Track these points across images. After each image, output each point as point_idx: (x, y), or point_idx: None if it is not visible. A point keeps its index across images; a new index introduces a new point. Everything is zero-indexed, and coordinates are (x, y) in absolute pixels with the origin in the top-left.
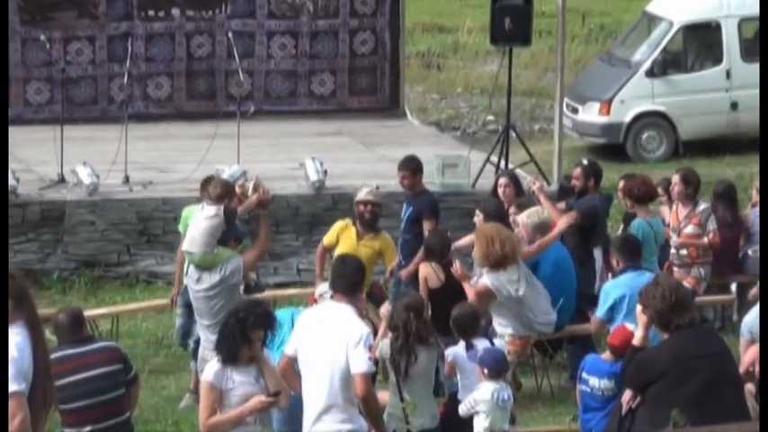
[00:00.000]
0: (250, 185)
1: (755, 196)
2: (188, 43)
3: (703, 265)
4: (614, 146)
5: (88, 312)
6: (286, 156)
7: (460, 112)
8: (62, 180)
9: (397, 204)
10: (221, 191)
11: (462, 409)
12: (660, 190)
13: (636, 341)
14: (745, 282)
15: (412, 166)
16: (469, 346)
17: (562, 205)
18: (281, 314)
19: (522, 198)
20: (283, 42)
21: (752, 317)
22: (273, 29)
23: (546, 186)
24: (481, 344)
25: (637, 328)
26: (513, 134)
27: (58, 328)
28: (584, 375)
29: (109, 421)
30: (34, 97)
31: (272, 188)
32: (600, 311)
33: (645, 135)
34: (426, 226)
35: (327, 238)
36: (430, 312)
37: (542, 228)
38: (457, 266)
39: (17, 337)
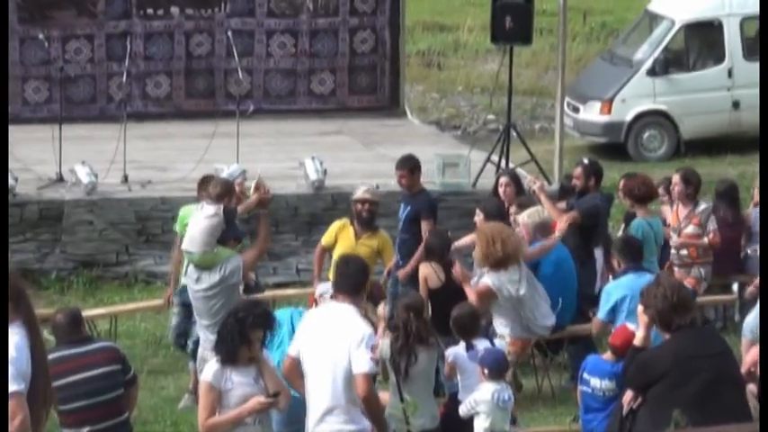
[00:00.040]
0: (251, 185)
1: (757, 196)
2: (187, 42)
3: (704, 265)
4: (615, 145)
5: (86, 312)
6: (285, 155)
7: (461, 111)
8: (60, 179)
9: (397, 204)
10: (221, 190)
11: (463, 410)
12: (661, 189)
13: (637, 341)
14: (746, 282)
15: (410, 165)
16: (470, 347)
17: (563, 205)
18: (281, 314)
19: (523, 197)
20: (283, 41)
21: (753, 317)
22: (273, 27)
23: (546, 186)
24: (481, 344)
25: (638, 329)
26: (514, 133)
27: (57, 329)
28: (586, 376)
29: (107, 422)
30: (32, 96)
31: (272, 187)
32: (601, 313)
33: (646, 134)
34: (424, 226)
35: (326, 238)
36: (430, 312)
37: (543, 227)
38: (457, 269)
39: (15, 338)
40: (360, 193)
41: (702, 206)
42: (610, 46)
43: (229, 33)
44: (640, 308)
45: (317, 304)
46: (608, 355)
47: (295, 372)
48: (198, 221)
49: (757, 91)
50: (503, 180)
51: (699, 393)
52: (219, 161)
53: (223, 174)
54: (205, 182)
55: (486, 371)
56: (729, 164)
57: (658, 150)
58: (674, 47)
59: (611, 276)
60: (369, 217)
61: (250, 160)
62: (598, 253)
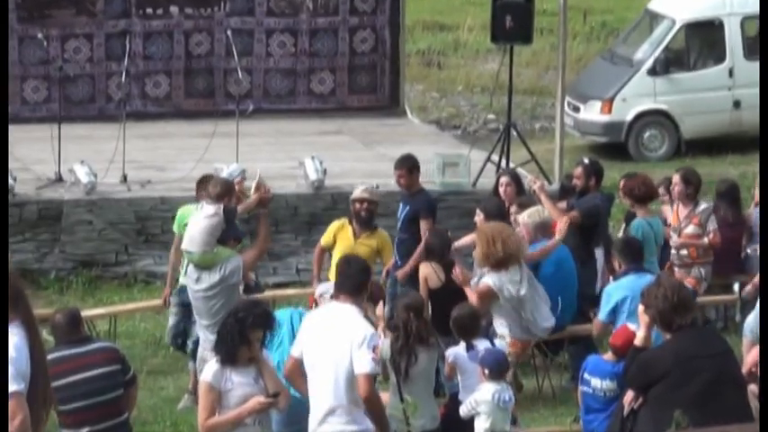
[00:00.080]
0: (251, 185)
1: (758, 195)
2: (186, 41)
3: (704, 265)
4: (616, 145)
5: (86, 312)
6: (285, 155)
7: (461, 110)
8: (59, 179)
9: (397, 204)
10: (221, 190)
11: (463, 410)
12: (662, 189)
13: (638, 341)
14: (747, 282)
15: (408, 165)
16: (470, 347)
17: (563, 204)
18: (281, 314)
19: (524, 197)
20: (282, 40)
21: (754, 317)
22: (273, 27)
23: (546, 185)
24: (482, 344)
25: (639, 329)
26: (514, 133)
27: (56, 329)
28: (586, 376)
29: (107, 422)
30: (31, 95)
31: (272, 187)
32: (602, 314)
33: (647, 134)
34: (423, 225)
35: (325, 239)
36: (430, 312)
37: (543, 227)
38: (457, 272)
39: (14, 338)
40: (358, 193)
41: (703, 206)
42: (610, 45)
43: (229, 33)
44: (641, 308)
45: (316, 304)
46: (609, 356)
47: (297, 372)
48: (198, 221)
49: (758, 90)
50: (503, 180)
51: (700, 394)
52: (219, 161)
53: (223, 173)
54: (204, 182)
55: (486, 371)
56: (730, 164)
57: (659, 150)
58: (675, 46)
59: (611, 276)
60: (367, 216)
61: (250, 160)
62: (599, 253)
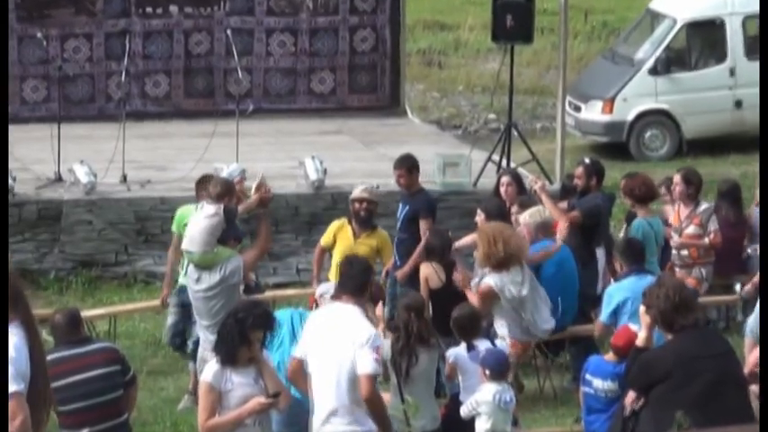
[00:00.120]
0: (252, 185)
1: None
2: (186, 41)
3: (705, 265)
4: (617, 144)
5: (85, 313)
6: (285, 154)
7: (462, 110)
8: (59, 179)
9: (397, 204)
10: (221, 189)
11: (464, 411)
12: (663, 189)
13: (639, 342)
14: (748, 282)
15: (408, 165)
16: (471, 347)
17: (564, 204)
18: (281, 315)
19: (524, 197)
20: (282, 40)
21: (755, 318)
22: (272, 26)
23: (547, 185)
24: (483, 345)
25: (640, 329)
26: (515, 133)
27: (55, 329)
28: (588, 377)
29: (107, 423)
30: (31, 95)
31: (272, 187)
32: (603, 315)
33: (648, 133)
34: (423, 225)
35: (324, 239)
36: (431, 313)
37: (544, 227)
38: (458, 275)
39: (14, 338)
40: (357, 193)
41: (704, 206)
42: (611, 45)
43: (229, 32)
44: (642, 308)
45: (317, 305)
46: (610, 356)
47: (300, 373)
48: (198, 221)
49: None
50: (504, 180)
51: (702, 394)
52: (219, 161)
53: (223, 173)
54: (203, 181)
55: (487, 372)
56: (732, 163)
57: (660, 150)
58: (676, 46)
59: (612, 277)
60: (367, 216)
61: (250, 160)
62: (600, 253)
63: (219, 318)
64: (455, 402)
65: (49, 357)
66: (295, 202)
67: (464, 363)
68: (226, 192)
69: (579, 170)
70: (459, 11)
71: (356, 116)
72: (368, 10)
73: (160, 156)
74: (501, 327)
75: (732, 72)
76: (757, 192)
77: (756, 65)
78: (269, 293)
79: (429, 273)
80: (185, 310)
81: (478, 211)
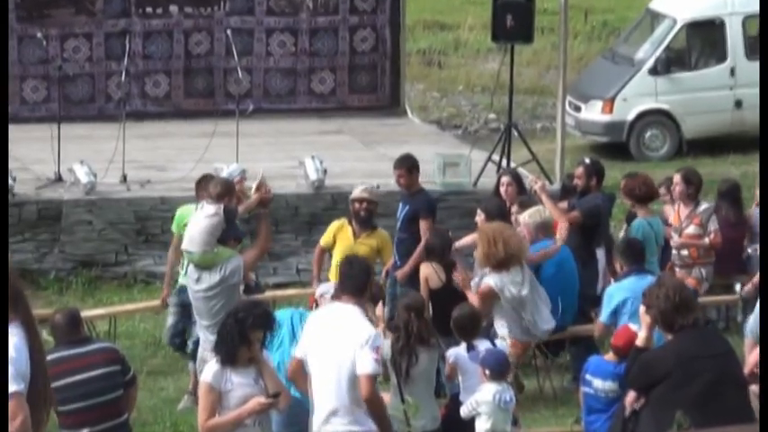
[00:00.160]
0: (252, 185)
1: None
2: (186, 41)
3: (705, 265)
4: (617, 144)
5: (85, 313)
6: (285, 154)
7: (462, 110)
8: (59, 179)
9: (397, 204)
10: (221, 189)
11: (464, 411)
12: (663, 189)
13: (639, 342)
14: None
15: (407, 165)
16: (471, 347)
17: (564, 204)
18: (281, 315)
19: (524, 197)
20: (282, 40)
21: (754, 318)
22: (273, 26)
23: (547, 185)
24: (483, 345)
25: (640, 329)
26: (515, 132)
27: (55, 329)
28: (588, 377)
29: (106, 423)
30: (31, 95)
31: (272, 187)
32: (603, 316)
33: (648, 133)
34: (423, 225)
35: (324, 239)
36: (431, 313)
37: (544, 227)
38: (458, 276)
39: (14, 338)
40: (357, 193)
41: (704, 206)
42: (611, 45)
43: (228, 32)
44: (642, 308)
45: (317, 305)
46: (610, 356)
47: (301, 373)
48: (198, 221)
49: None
50: (504, 179)
51: (701, 394)
52: (219, 161)
53: (223, 173)
54: (203, 181)
55: (487, 372)
56: (732, 163)
57: (660, 150)
58: (676, 46)
59: (612, 277)
60: (366, 216)
61: (250, 160)
62: (600, 253)
63: (219, 318)
64: (455, 402)
65: (48, 357)
66: (295, 202)
67: (464, 363)
68: (226, 192)
69: (579, 170)
70: (459, 11)
71: (356, 116)
72: (368, 10)
73: (160, 156)
74: (501, 327)
75: (732, 72)
76: (757, 192)
77: (756, 65)
78: (269, 293)
79: (429, 273)
80: (185, 310)
81: (478, 211)
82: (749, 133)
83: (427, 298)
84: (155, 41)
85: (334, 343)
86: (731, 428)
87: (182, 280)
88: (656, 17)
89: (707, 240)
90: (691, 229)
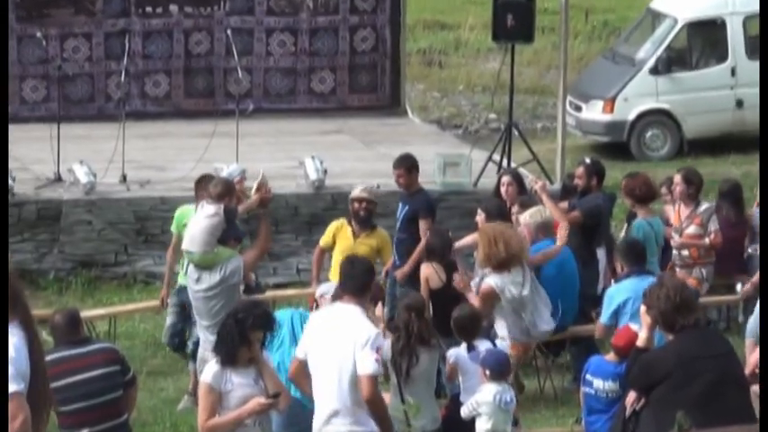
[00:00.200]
0: (253, 185)
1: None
2: (186, 40)
3: (705, 265)
4: (618, 144)
5: (85, 313)
6: (285, 154)
7: (462, 110)
8: (59, 179)
9: (397, 203)
10: (221, 189)
11: (464, 411)
12: (663, 189)
13: (640, 342)
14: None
15: (407, 165)
16: (471, 348)
17: (565, 204)
18: (281, 315)
19: (525, 197)
20: (282, 39)
21: (755, 319)
22: (273, 26)
23: (548, 185)
24: (483, 345)
25: (641, 329)
26: (516, 132)
27: (55, 329)
28: (588, 377)
29: (106, 423)
30: (30, 95)
31: (272, 187)
32: (604, 316)
33: (649, 133)
34: (422, 225)
35: (324, 239)
36: (431, 313)
37: (545, 227)
38: (458, 278)
39: (13, 338)
40: (356, 192)
41: (704, 206)
42: (612, 44)
43: (229, 32)
44: (643, 308)
45: (317, 305)
46: (611, 356)
47: (302, 374)
48: (198, 221)
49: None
50: (505, 179)
51: (702, 394)
52: (219, 161)
53: (223, 173)
54: (203, 181)
55: (487, 372)
56: (733, 163)
57: (661, 150)
58: (677, 45)
59: (612, 281)
60: (366, 216)
61: (250, 160)
62: (600, 253)
63: (219, 318)
64: (455, 403)
65: (48, 357)
66: (295, 202)
67: (464, 363)
68: (226, 192)
69: (580, 170)
70: (459, 10)
71: (356, 116)
72: (368, 9)
73: (160, 156)
74: (501, 327)
75: (733, 72)
76: (758, 192)
77: (757, 65)
78: (269, 293)
79: (429, 273)
80: (185, 310)
81: (479, 211)
82: (750, 133)
83: (427, 298)
84: (154, 41)
85: (336, 343)
86: (732, 429)
87: (181, 280)
88: (656, 17)
89: (707, 240)
90: (691, 230)
